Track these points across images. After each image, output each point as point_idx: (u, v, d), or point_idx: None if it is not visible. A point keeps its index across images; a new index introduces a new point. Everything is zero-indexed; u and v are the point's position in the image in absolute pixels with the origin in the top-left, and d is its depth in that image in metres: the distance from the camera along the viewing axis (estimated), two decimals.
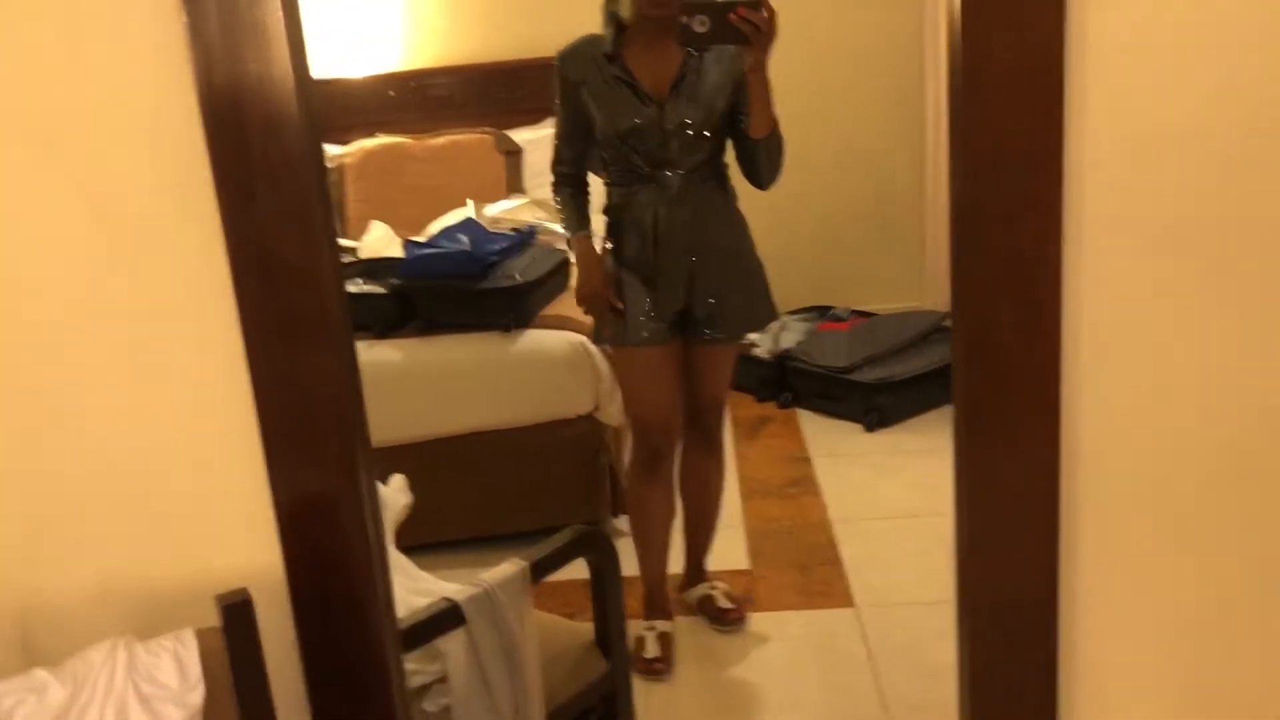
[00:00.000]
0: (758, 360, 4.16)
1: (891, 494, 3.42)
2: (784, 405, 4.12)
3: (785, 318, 4.36)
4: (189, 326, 1.20)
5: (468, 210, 3.74)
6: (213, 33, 1.10)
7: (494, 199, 3.95)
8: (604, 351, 3.11)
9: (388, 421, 3.03)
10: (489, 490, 3.20)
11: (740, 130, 2.46)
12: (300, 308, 1.18)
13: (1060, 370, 1.17)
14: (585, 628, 2.01)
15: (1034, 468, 1.19)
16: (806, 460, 3.70)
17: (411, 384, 3.13)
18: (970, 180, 1.13)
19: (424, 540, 2.97)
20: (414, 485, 2.03)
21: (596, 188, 2.69)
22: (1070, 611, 1.24)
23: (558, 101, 2.56)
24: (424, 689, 1.73)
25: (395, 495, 1.94)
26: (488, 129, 4.19)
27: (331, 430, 1.22)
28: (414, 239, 3.38)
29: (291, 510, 1.23)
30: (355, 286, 3.27)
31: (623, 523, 3.18)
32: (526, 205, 3.90)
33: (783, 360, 4.13)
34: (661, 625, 2.72)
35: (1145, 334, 1.17)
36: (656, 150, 2.45)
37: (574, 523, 2.02)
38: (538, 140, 3.99)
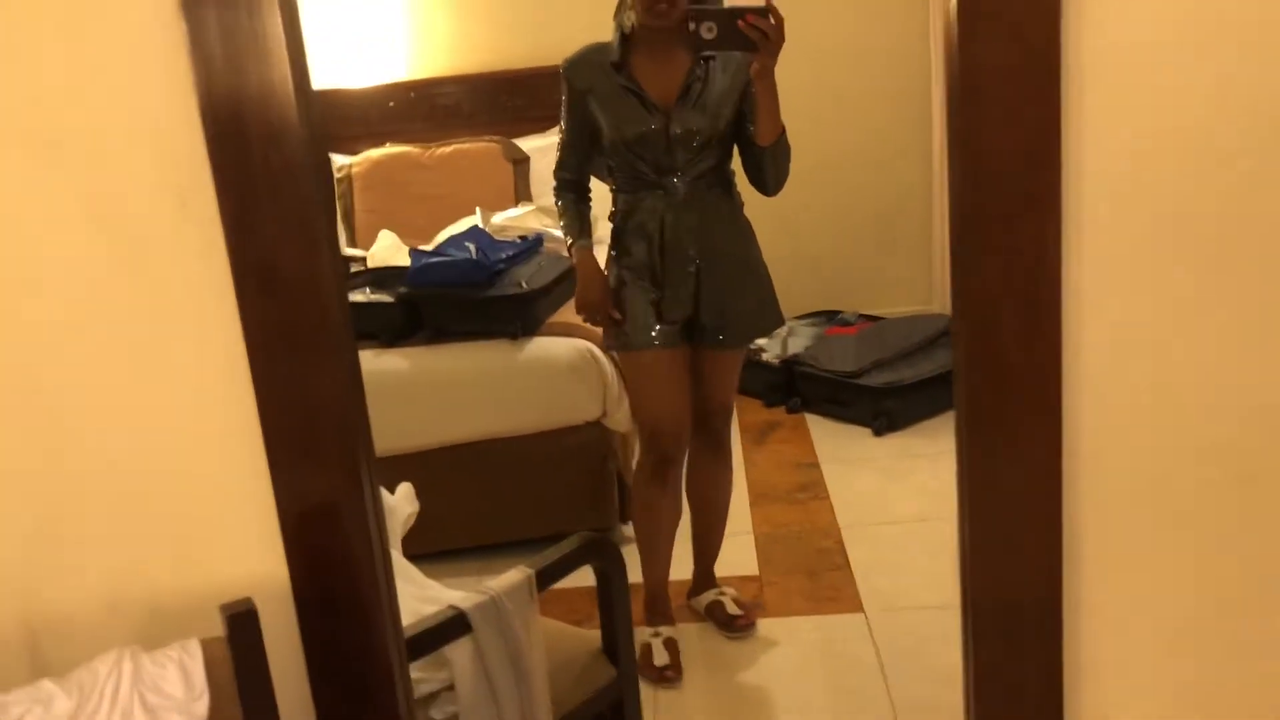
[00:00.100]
0: (766, 365, 4.16)
1: (900, 498, 3.41)
2: (792, 410, 4.12)
3: (793, 322, 4.36)
4: (191, 335, 1.21)
5: (475, 219, 3.75)
6: (213, 42, 1.11)
7: (502, 207, 3.97)
8: (610, 358, 3.12)
9: (396, 430, 3.08)
10: (497, 498, 3.21)
11: (747, 137, 2.46)
12: (302, 315, 1.18)
13: (1061, 372, 1.16)
14: (592, 635, 2.01)
15: (1036, 470, 1.19)
16: (815, 465, 3.69)
17: (419, 392, 3.13)
18: (969, 184, 1.13)
19: (433, 548, 2.99)
20: (422, 493, 2.03)
21: (601, 194, 2.70)
22: (1074, 613, 1.24)
23: (563, 109, 2.57)
24: (431, 697, 1.73)
25: (401, 503, 1.95)
26: (495, 137, 4.20)
27: (334, 437, 1.22)
28: (420, 247, 3.39)
29: (296, 518, 1.24)
30: (363, 295, 3.28)
31: (630, 529, 3.18)
32: (534, 213, 3.91)
33: (791, 365, 4.13)
34: (666, 631, 2.72)
35: (1146, 335, 1.17)
36: (663, 158, 2.45)
37: (582, 530, 2.02)
38: (545, 148, 3.99)
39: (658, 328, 2.52)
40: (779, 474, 3.66)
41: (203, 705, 1.11)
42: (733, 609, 2.81)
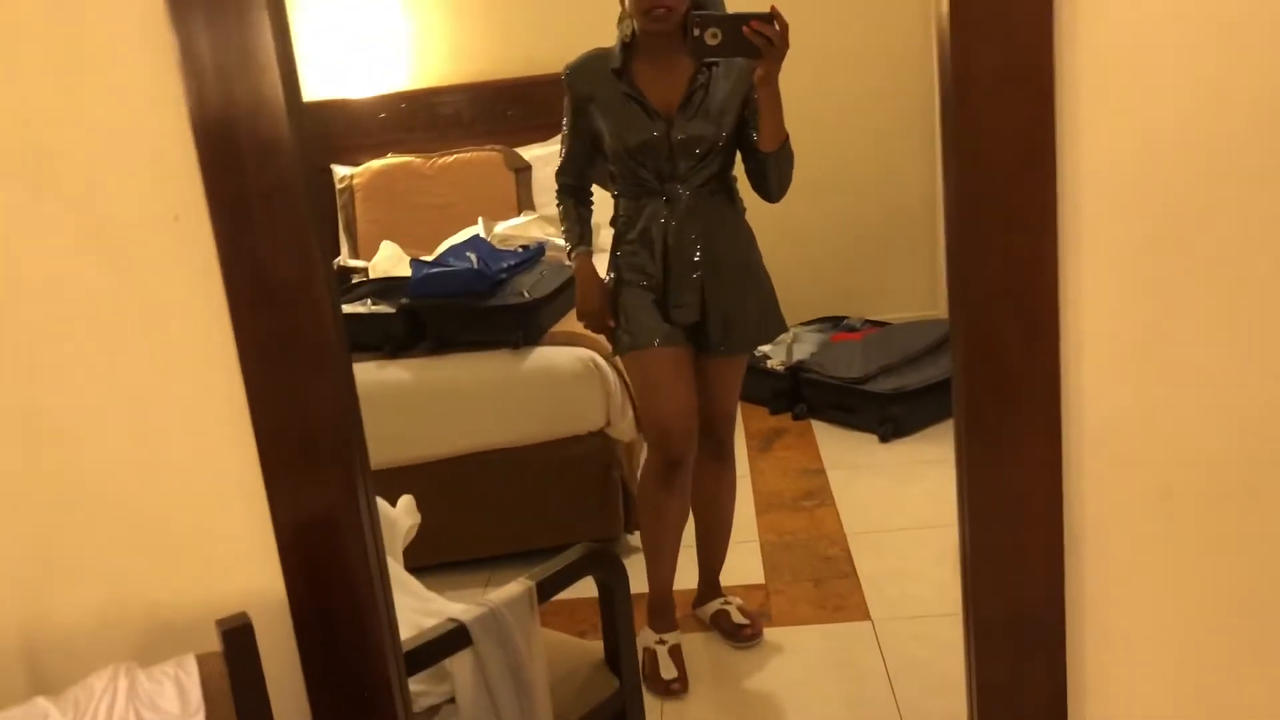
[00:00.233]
0: (771, 372, 4.15)
1: (907, 505, 3.39)
2: (798, 417, 4.10)
3: (798, 329, 4.35)
4: (186, 351, 1.20)
5: (478, 228, 3.75)
6: (204, 59, 1.10)
7: (504, 216, 3.97)
8: (614, 367, 3.11)
9: (398, 441, 3.07)
10: (501, 509, 3.20)
11: (750, 144, 2.45)
12: (297, 330, 1.18)
13: (1060, 379, 1.16)
14: (595, 646, 2.00)
15: (1036, 479, 1.18)
16: (821, 472, 3.68)
17: (421, 403, 3.13)
18: (964, 188, 1.12)
19: (436, 560, 2.99)
20: (425, 505, 2.02)
21: (604, 201, 2.70)
22: (1077, 624, 1.23)
23: (566, 115, 2.56)
24: (432, 711, 1.72)
25: (402, 516, 1.94)
26: (497, 146, 4.21)
27: (330, 450, 1.22)
28: (422, 258, 3.39)
29: (292, 531, 1.23)
30: (365, 307, 3.28)
31: (636, 539, 3.17)
32: (536, 221, 3.91)
33: (796, 372, 4.12)
34: (671, 638, 2.70)
35: (1145, 341, 1.16)
36: (665, 165, 2.45)
37: (587, 540, 2.01)
38: (547, 157, 4.00)
39: (661, 327, 2.51)
40: (785, 481, 3.64)
41: None
42: (739, 619, 2.79)
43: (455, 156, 4.19)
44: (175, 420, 1.23)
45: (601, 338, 2.83)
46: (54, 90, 1.14)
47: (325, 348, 1.19)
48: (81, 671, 1.12)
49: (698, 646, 2.77)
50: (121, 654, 1.16)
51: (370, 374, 3.12)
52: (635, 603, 2.03)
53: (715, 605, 2.85)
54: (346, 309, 3.23)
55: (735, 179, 2.55)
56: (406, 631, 1.63)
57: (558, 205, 2.67)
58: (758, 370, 4.08)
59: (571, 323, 3.22)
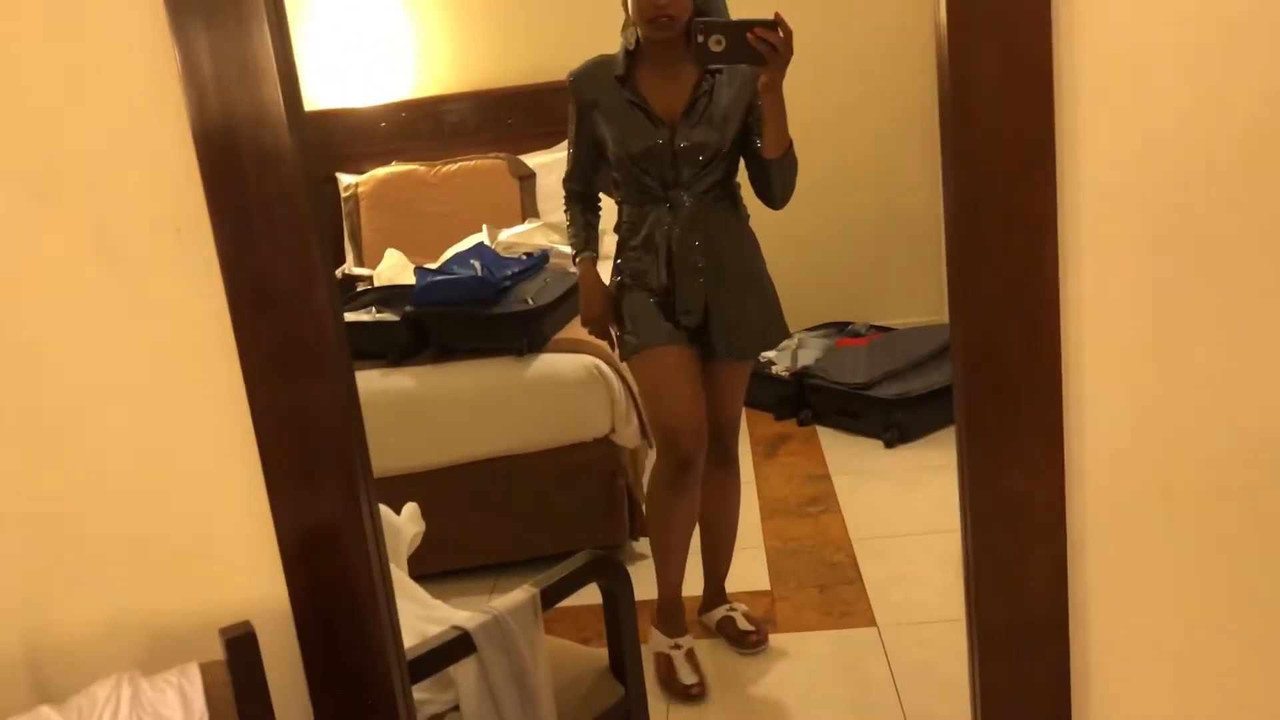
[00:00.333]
0: (776, 378, 4.15)
1: (912, 510, 3.39)
2: (803, 423, 4.10)
3: (803, 335, 4.35)
4: (188, 359, 1.21)
5: (482, 236, 3.76)
6: (205, 69, 1.11)
7: (509, 224, 3.97)
8: (619, 373, 3.11)
9: (403, 449, 3.08)
10: (507, 516, 3.20)
11: (753, 150, 2.45)
12: (298, 338, 1.18)
13: (1062, 384, 1.15)
14: (599, 653, 2.00)
15: (1038, 481, 1.17)
16: (826, 478, 3.67)
17: (426, 411, 3.13)
18: (964, 190, 1.12)
19: (442, 568, 2.99)
20: (431, 513, 2.03)
21: (608, 207, 2.70)
22: (1080, 629, 1.22)
23: (570, 122, 2.57)
24: (437, 718, 1.72)
25: (407, 523, 1.94)
26: (501, 154, 4.21)
27: (332, 458, 1.22)
28: (426, 266, 3.40)
29: (295, 540, 1.23)
30: (369, 315, 3.29)
31: (642, 545, 3.17)
32: (540, 229, 3.92)
33: (801, 377, 4.11)
34: (686, 642, 2.69)
35: (1146, 344, 1.16)
36: (668, 172, 2.45)
37: (591, 547, 2.01)
38: (551, 164, 4.01)
39: (666, 328, 2.51)
40: (790, 487, 3.64)
41: None
42: (744, 625, 2.79)
43: (459, 164, 4.20)
44: (178, 429, 1.23)
45: (606, 344, 2.83)
46: (56, 101, 1.14)
47: (327, 356, 1.19)
48: (85, 680, 1.12)
49: (703, 653, 2.77)
50: (125, 663, 1.16)
51: (374, 382, 3.12)
52: (640, 609, 2.02)
53: (721, 611, 2.85)
54: (350, 317, 3.24)
55: (739, 185, 2.55)
56: (410, 639, 1.63)
57: (565, 212, 2.68)
58: (762, 376, 4.08)
59: (575, 330, 3.23)
